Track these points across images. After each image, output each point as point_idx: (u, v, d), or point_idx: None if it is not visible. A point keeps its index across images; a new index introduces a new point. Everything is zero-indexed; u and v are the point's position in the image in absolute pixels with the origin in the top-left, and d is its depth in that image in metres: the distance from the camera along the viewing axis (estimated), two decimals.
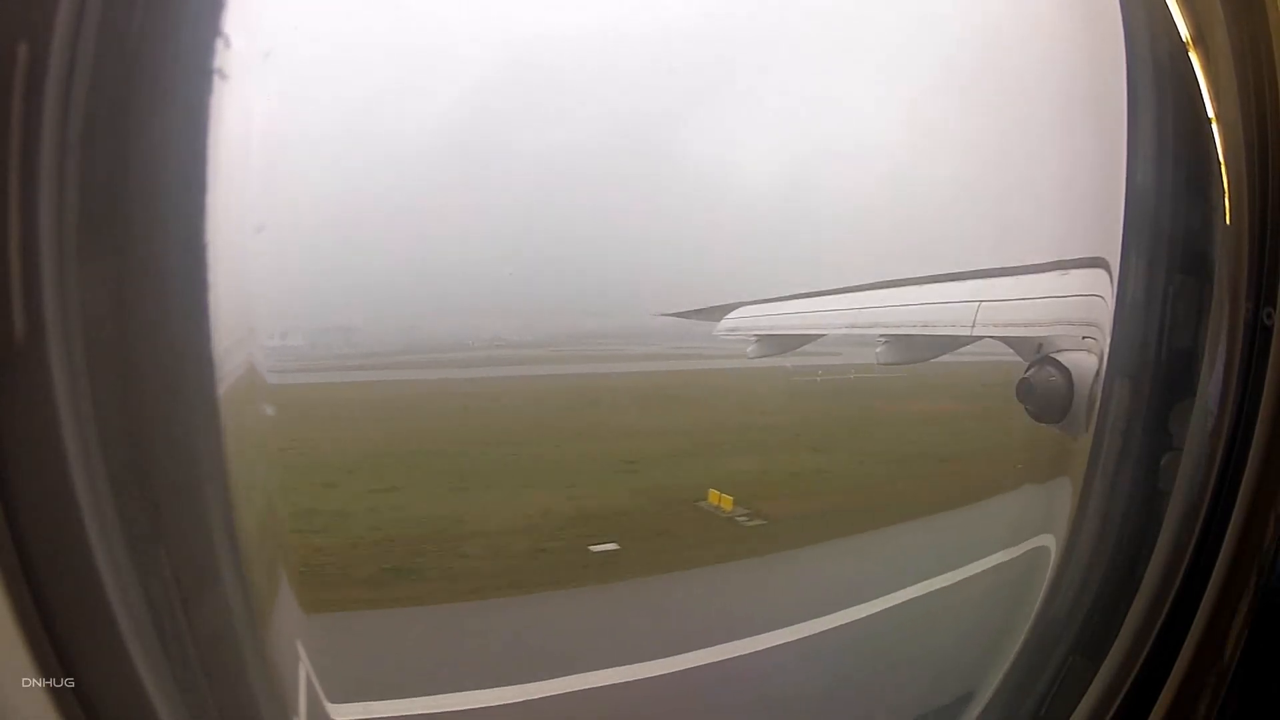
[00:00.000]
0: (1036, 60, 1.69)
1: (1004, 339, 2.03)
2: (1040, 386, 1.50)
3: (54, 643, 0.53)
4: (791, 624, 2.06)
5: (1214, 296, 1.14)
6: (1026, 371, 1.57)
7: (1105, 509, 1.22)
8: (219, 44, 0.60)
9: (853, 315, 2.64)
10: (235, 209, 0.64)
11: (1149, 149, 1.21)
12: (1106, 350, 1.26)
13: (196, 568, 0.63)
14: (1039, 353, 1.60)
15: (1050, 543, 1.35)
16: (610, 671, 1.94)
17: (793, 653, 1.95)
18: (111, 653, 0.56)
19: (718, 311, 2.87)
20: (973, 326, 2.18)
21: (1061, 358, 1.50)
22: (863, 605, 2.14)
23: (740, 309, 2.86)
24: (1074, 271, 1.53)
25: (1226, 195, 1.12)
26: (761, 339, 2.86)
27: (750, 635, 1.96)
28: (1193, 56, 1.15)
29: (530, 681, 1.87)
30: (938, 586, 2.06)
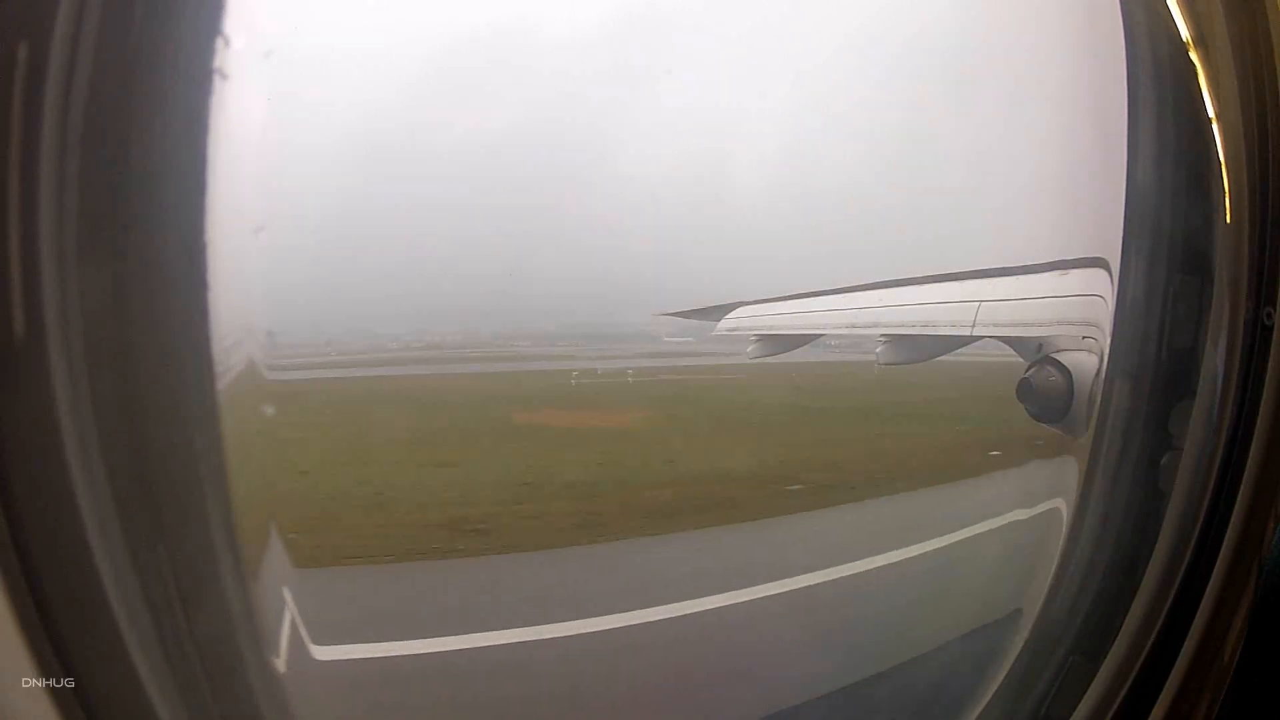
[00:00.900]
0: (1036, 60, 1.69)
1: (1004, 339, 2.03)
2: (1040, 386, 1.50)
3: (54, 643, 0.53)
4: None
5: (1214, 296, 1.14)
6: (1026, 371, 1.57)
7: (1105, 509, 1.22)
8: (219, 44, 0.60)
9: (853, 315, 2.64)
10: (235, 209, 0.64)
11: (1149, 149, 1.21)
12: (1106, 350, 1.26)
13: (196, 568, 0.63)
14: (1039, 353, 1.60)
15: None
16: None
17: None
18: (111, 653, 0.56)
19: (718, 311, 2.87)
20: (973, 326, 2.18)
21: (1061, 357, 1.50)
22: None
23: (740, 308, 2.86)
24: (1074, 271, 1.53)
25: (1227, 195, 1.12)
26: (761, 339, 2.87)
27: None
28: (1193, 56, 1.15)
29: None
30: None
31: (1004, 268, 2.13)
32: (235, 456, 0.65)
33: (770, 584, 2.26)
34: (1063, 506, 1.32)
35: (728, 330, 2.88)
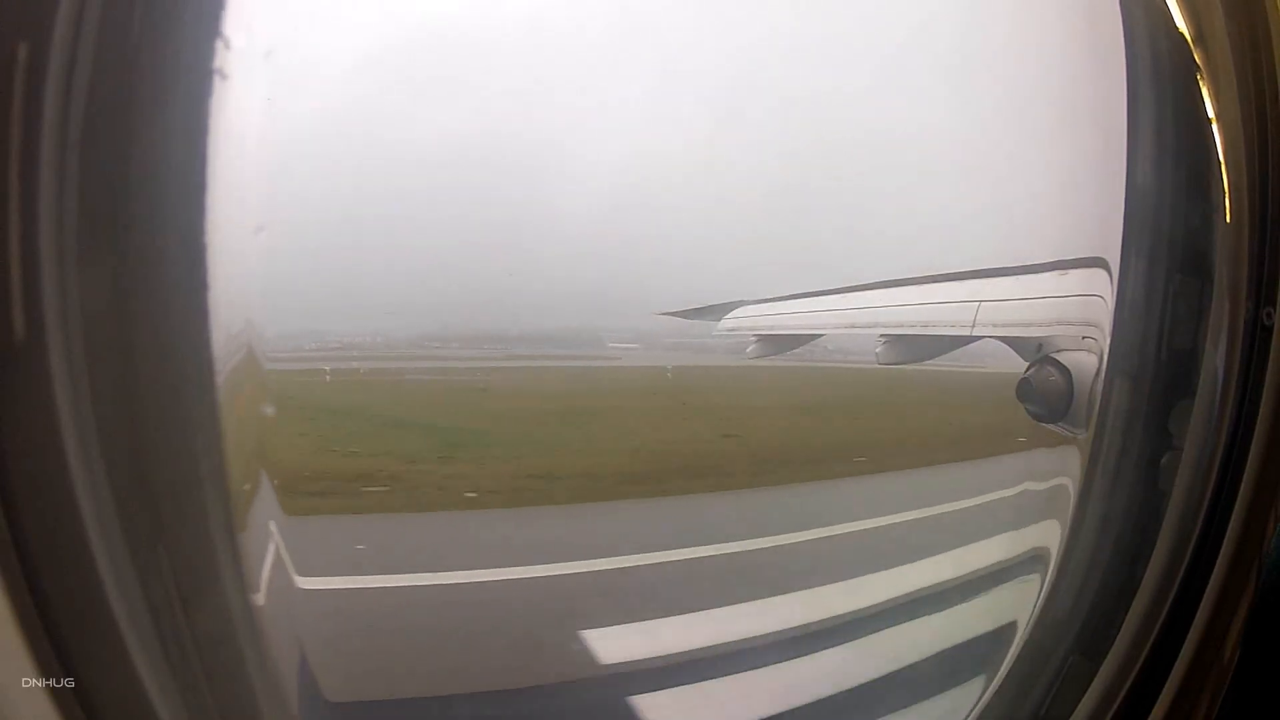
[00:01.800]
0: (1036, 59, 1.69)
1: (1004, 339, 2.03)
2: (1040, 386, 1.50)
3: (54, 643, 0.53)
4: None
5: (1214, 296, 1.14)
6: (1026, 371, 1.57)
7: (1105, 509, 1.22)
8: (219, 44, 0.60)
9: (852, 315, 2.64)
10: (235, 209, 0.64)
11: (1149, 149, 1.21)
12: (1106, 350, 1.26)
13: (196, 568, 0.63)
14: (1039, 352, 1.60)
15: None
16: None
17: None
18: (111, 653, 0.56)
19: (718, 311, 2.87)
20: (972, 326, 2.18)
21: (1061, 357, 1.50)
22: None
23: (740, 308, 2.87)
24: (1074, 271, 1.53)
25: (1227, 195, 1.13)
26: (761, 339, 2.87)
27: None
28: (1193, 56, 1.15)
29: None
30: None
31: (1004, 268, 2.13)
32: (235, 456, 0.65)
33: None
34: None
35: (728, 330, 2.89)
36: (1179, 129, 1.19)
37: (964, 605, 1.75)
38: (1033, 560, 1.41)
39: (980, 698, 1.26)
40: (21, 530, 0.52)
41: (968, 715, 1.26)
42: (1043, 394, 1.48)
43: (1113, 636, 1.13)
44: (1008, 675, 1.25)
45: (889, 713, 1.58)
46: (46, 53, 0.52)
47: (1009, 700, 1.24)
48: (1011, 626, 1.33)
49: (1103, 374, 1.27)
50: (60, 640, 0.53)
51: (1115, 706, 1.10)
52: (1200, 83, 1.14)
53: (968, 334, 2.23)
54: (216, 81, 0.60)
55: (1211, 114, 1.14)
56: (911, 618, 1.99)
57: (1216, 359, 1.12)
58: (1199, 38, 1.14)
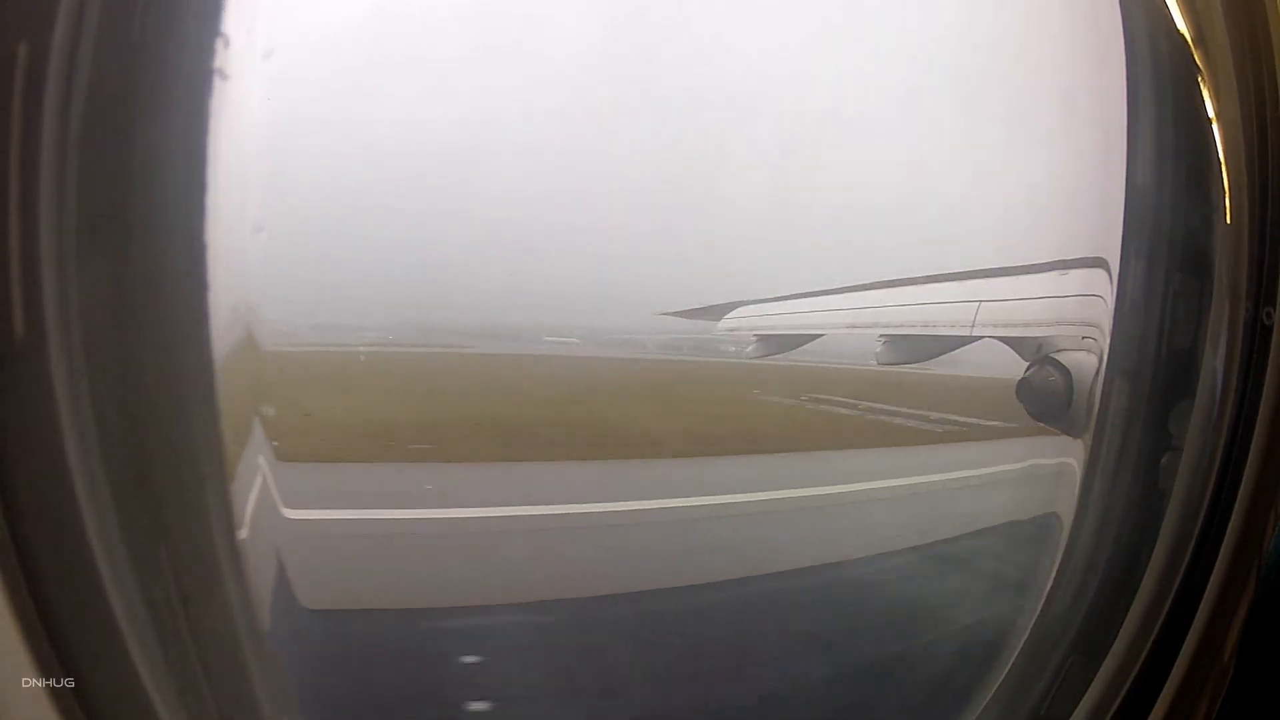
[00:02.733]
0: (1036, 59, 1.69)
1: (1004, 339, 2.03)
2: (1040, 386, 1.50)
3: (54, 643, 0.53)
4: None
5: (1214, 296, 1.14)
6: (1026, 371, 1.57)
7: (1105, 509, 1.22)
8: (219, 44, 0.60)
9: (853, 315, 2.64)
10: (235, 209, 0.64)
11: (1149, 149, 1.21)
12: (1106, 350, 1.26)
13: (196, 567, 0.63)
14: (1039, 353, 1.60)
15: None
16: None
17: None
18: (111, 653, 0.56)
19: (718, 310, 2.88)
20: (972, 327, 2.18)
21: (1061, 357, 1.50)
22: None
23: (740, 308, 2.87)
24: (1074, 271, 1.53)
25: (1227, 195, 1.12)
26: (761, 338, 2.87)
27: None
28: (1193, 56, 1.15)
29: None
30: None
31: (1004, 268, 2.13)
32: (236, 456, 0.65)
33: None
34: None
35: (728, 330, 2.89)
36: (1179, 129, 1.19)
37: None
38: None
39: (980, 698, 1.26)
40: (21, 530, 0.52)
41: (968, 715, 1.26)
42: (1043, 394, 1.48)
43: (1113, 636, 1.13)
44: (1008, 675, 1.25)
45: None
46: (46, 53, 0.52)
47: (1009, 700, 1.24)
48: (1012, 626, 1.33)
49: (1103, 374, 1.27)
50: (60, 640, 0.53)
51: (1115, 706, 1.10)
52: (1200, 83, 1.14)
53: (968, 334, 2.23)
54: (216, 81, 0.60)
55: (1211, 114, 1.14)
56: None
57: (1216, 359, 1.12)
58: (1199, 38, 1.14)
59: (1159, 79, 1.19)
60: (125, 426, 0.58)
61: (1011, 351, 1.89)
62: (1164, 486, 1.16)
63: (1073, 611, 1.22)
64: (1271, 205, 1.10)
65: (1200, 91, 1.15)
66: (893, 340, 2.54)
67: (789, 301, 2.78)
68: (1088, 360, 1.41)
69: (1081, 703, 1.13)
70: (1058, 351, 1.53)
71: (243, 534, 0.66)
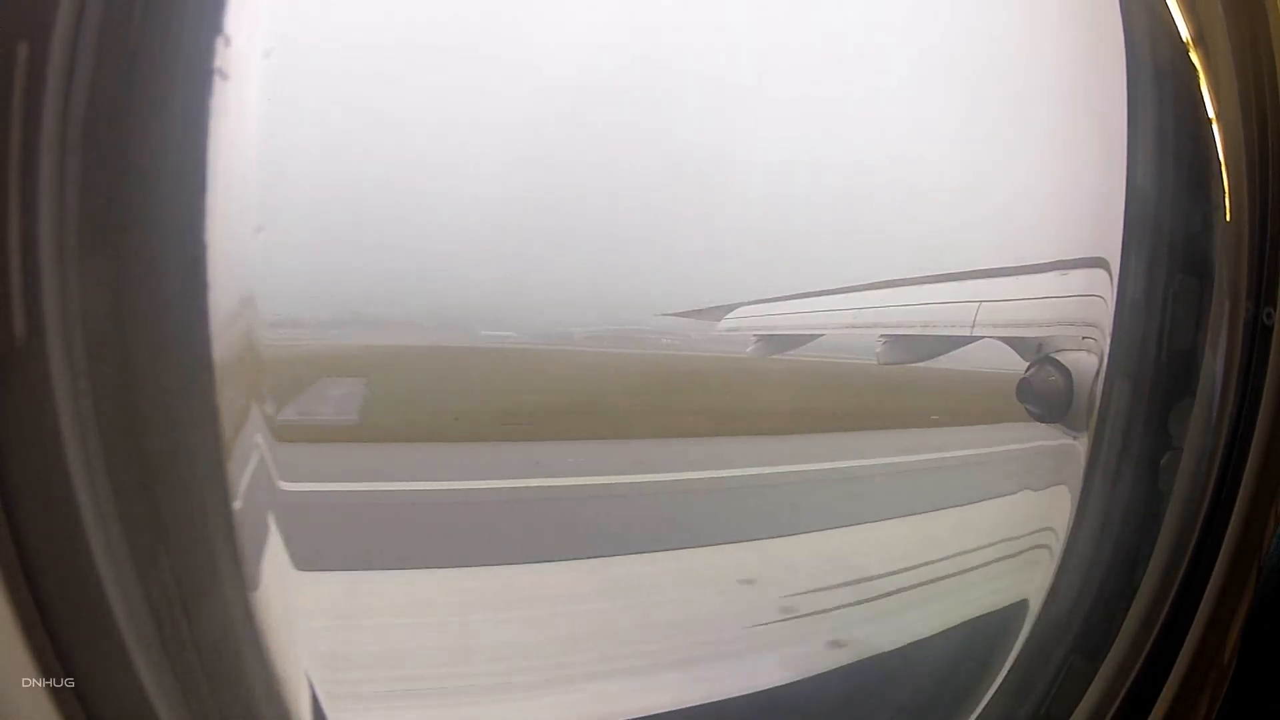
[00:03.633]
0: (1036, 60, 1.69)
1: (1004, 339, 2.03)
2: (1040, 386, 1.50)
3: (54, 643, 0.53)
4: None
5: (1214, 296, 1.14)
6: (1026, 371, 1.57)
7: (1105, 509, 1.22)
8: (219, 44, 0.60)
9: (853, 315, 2.64)
10: (235, 209, 0.64)
11: (1149, 149, 1.21)
12: (1106, 350, 1.26)
13: (197, 567, 0.63)
14: (1039, 353, 1.60)
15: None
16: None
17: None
18: (111, 653, 0.56)
19: (718, 311, 2.88)
20: (972, 327, 2.18)
21: (1061, 358, 1.50)
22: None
23: (741, 308, 2.87)
24: (1074, 271, 1.53)
25: (1227, 195, 1.13)
26: (761, 339, 2.87)
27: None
28: (1193, 56, 1.15)
29: None
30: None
31: (1004, 268, 2.13)
32: (236, 456, 0.65)
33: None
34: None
35: (728, 330, 2.89)
36: (1179, 129, 1.19)
37: None
38: None
39: (980, 698, 1.26)
40: (21, 530, 0.52)
41: (968, 715, 1.26)
42: (1043, 394, 1.48)
43: (1113, 636, 1.13)
44: (1008, 675, 1.25)
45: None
46: (46, 53, 0.52)
47: (1009, 700, 1.24)
48: (1012, 626, 1.33)
49: (1103, 374, 1.27)
50: (60, 640, 0.53)
51: (1115, 706, 1.10)
52: (1200, 83, 1.14)
53: (968, 334, 2.23)
54: (216, 81, 0.60)
55: (1211, 114, 1.14)
56: None
57: (1216, 359, 1.12)
58: (1199, 38, 1.14)
59: (1159, 79, 1.19)
60: (125, 426, 0.58)
61: (1012, 351, 1.89)
62: (1164, 486, 1.16)
63: (1073, 611, 1.23)
64: (1271, 205, 1.10)
65: (1200, 91, 1.15)
66: (893, 340, 2.54)
67: (789, 302, 2.78)
68: (1088, 360, 1.41)
69: (1081, 703, 1.13)
70: (1058, 351, 1.53)
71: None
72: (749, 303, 2.87)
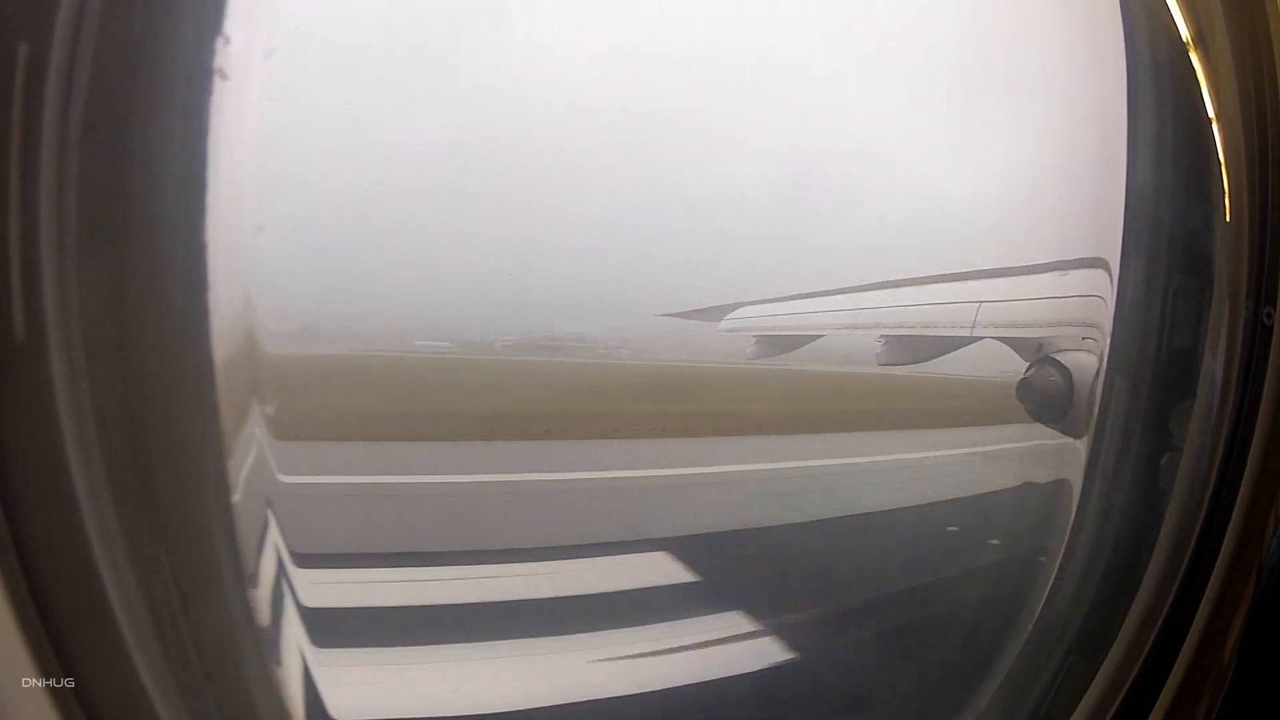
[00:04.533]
0: (1035, 60, 1.69)
1: (1004, 339, 2.03)
2: (1040, 386, 1.50)
3: (54, 643, 0.53)
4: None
5: (1214, 296, 1.14)
6: (1026, 372, 1.57)
7: (1105, 509, 1.23)
8: (219, 44, 0.60)
9: (853, 316, 2.64)
10: (235, 209, 0.64)
11: (1149, 149, 1.21)
12: (1106, 350, 1.26)
13: (197, 567, 0.63)
14: (1039, 353, 1.60)
15: None
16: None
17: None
18: (111, 653, 0.56)
19: (718, 311, 2.88)
20: (973, 327, 2.18)
21: (1061, 358, 1.50)
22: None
23: (741, 309, 2.87)
24: (1074, 272, 1.53)
25: (1227, 195, 1.13)
26: (760, 339, 2.87)
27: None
28: (1193, 56, 1.15)
29: None
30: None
31: (1004, 268, 2.13)
32: (236, 454, 0.65)
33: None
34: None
35: (728, 331, 2.89)
36: (1179, 129, 1.19)
37: None
38: None
39: (980, 698, 1.26)
40: (21, 530, 0.52)
41: (968, 715, 1.26)
42: (1043, 394, 1.48)
43: (1113, 636, 1.13)
44: (1008, 675, 1.25)
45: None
46: (46, 53, 0.52)
47: (1009, 700, 1.24)
48: (1012, 626, 1.33)
49: (1103, 374, 1.27)
50: (60, 640, 0.53)
51: (1115, 706, 1.10)
52: (1200, 83, 1.14)
53: (968, 334, 2.23)
54: (216, 81, 0.60)
55: (1211, 114, 1.14)
56: None
57: (1216, 359, 1.12)
58: (1199, 38, 1.14)
59: (1159, 79, 1.19)
60: (125, 426, 0.58)
61: (1012, 351, 1.89)
62: (1164, 486, 1.16)
63: (1073, 611, 1.23)
64: (1271, 205, 1.10)
65: (1200, 91, 1.15)
66: (893, 341, 2.54)
67: (789, 302, 2.78)
68: (1088, 360, 1.41)
69: (1081, 703, 1.13)
70: (1058, 352, 1.53)
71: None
72: (749, 303, 2.87)
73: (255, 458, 0.77)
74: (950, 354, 2.43)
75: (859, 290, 2.62)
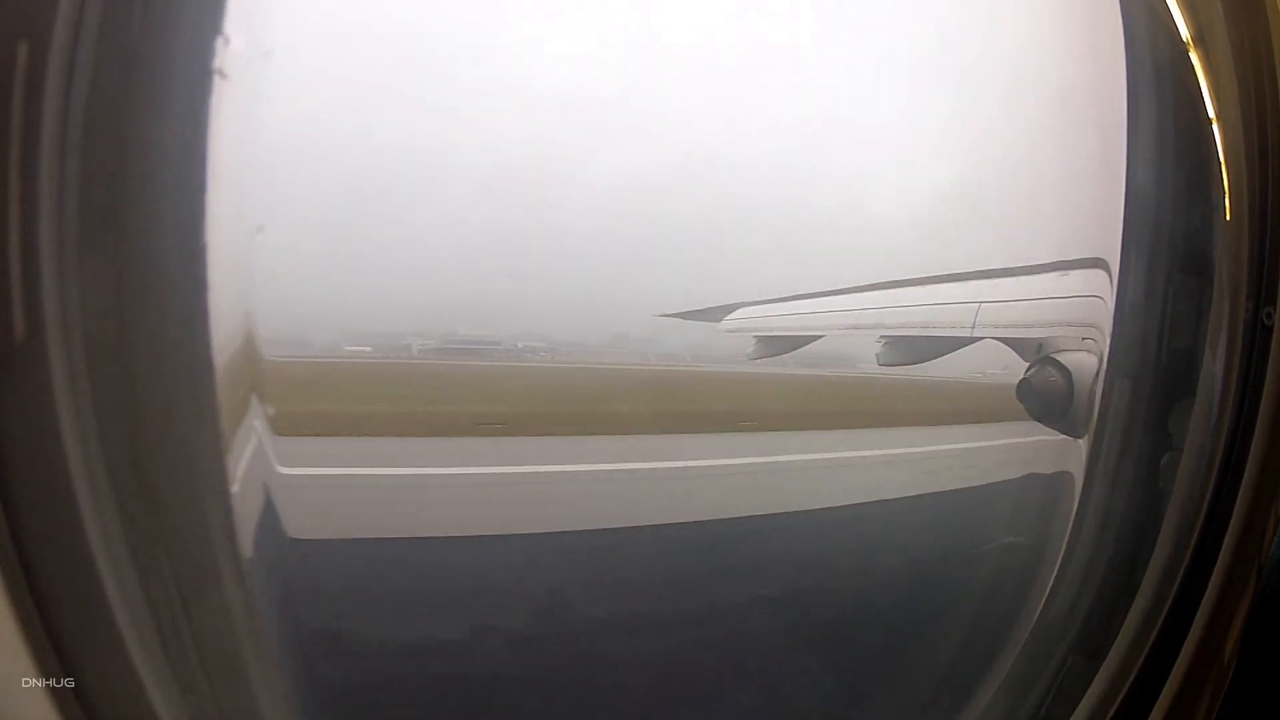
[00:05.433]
0: (1035, 60, 1.69)
1: (1004, 340, 2.03)
2: (1040, 387, 1.50)
3: (54, 643, 0.53)
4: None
5: (1214, 296, 1.14)
6: (1026, 372, 1.57)
7: (1105, 509, 1.23)
8: (219, 44, 0.60)
9: (854, 316, 2.63)
10: (235, 209, 0.64)
11: (1149, 149, 1.21)
12: (1106, 350, 1.26)
13: (197, 567, 0.63)
14: (1039, 353, 1.60)
15: None
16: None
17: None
18: (111, 653, 0.56)
19: (718, 312, 2.87)
20: (973, 328, 2.18)
21: (1061, 358, 1.50)
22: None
23: (741, 309, 2.87)
24: (1074, 272, 1.53)
25: (1226, 195, 1.13)
26: (761, 340, 2.86)
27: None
28: (1193, 56, 1.15)
29: None
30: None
31: (1004, 268, 2.13)
32: (236, 453, 0.65)
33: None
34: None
35: (728, 331, 2.89)
36: (1179, 129, 1.19)
37: None
38: None
39: (981, 698, 1.26)
40: (21, 530, 0.52)
41: (968, 715, 1.26)
42: (1043, 394, 1.48)
43: (1113, 636, 1.13)
44: (1008, 675, 1.25)
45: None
46: (46, 53, 0.52)
47: (1009, 700, 1.24)
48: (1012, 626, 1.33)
49: (1103, 374, 1.27)
50: (60, 640, 0.53)
51: (1115, 706, 1.10)
52: (1200, 83, 1.14)
53: (968, 335, 2.23)
54: (216, 81, 0.60)
55: (1211, 114, 1.14)
56: None
57: (1216, 359, 1.12)
58: (1199, 38, 1.14)
59: (1159, 79, 1.19)
60: (125, 427, 0.58)
61: (1012, 352, 1.89)
62: (1164, 486, 1.16)
63: (1073, 611, 1.23)
64: (1271, 205, 1.10)
65: (1200, 91, 1.15)
66: (894, 341, 2.54)
67: (789, 303, 2.78)
68: (1088, 361, 1.41)
69: (1081, 703, 1.13)
70: (1058, 352, 1.53)
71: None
72: (749, 304, 2.87)
73: (254, 455, 0.77)
74: (950, 354, 2.43)
75: (859, 290, 2.62)
